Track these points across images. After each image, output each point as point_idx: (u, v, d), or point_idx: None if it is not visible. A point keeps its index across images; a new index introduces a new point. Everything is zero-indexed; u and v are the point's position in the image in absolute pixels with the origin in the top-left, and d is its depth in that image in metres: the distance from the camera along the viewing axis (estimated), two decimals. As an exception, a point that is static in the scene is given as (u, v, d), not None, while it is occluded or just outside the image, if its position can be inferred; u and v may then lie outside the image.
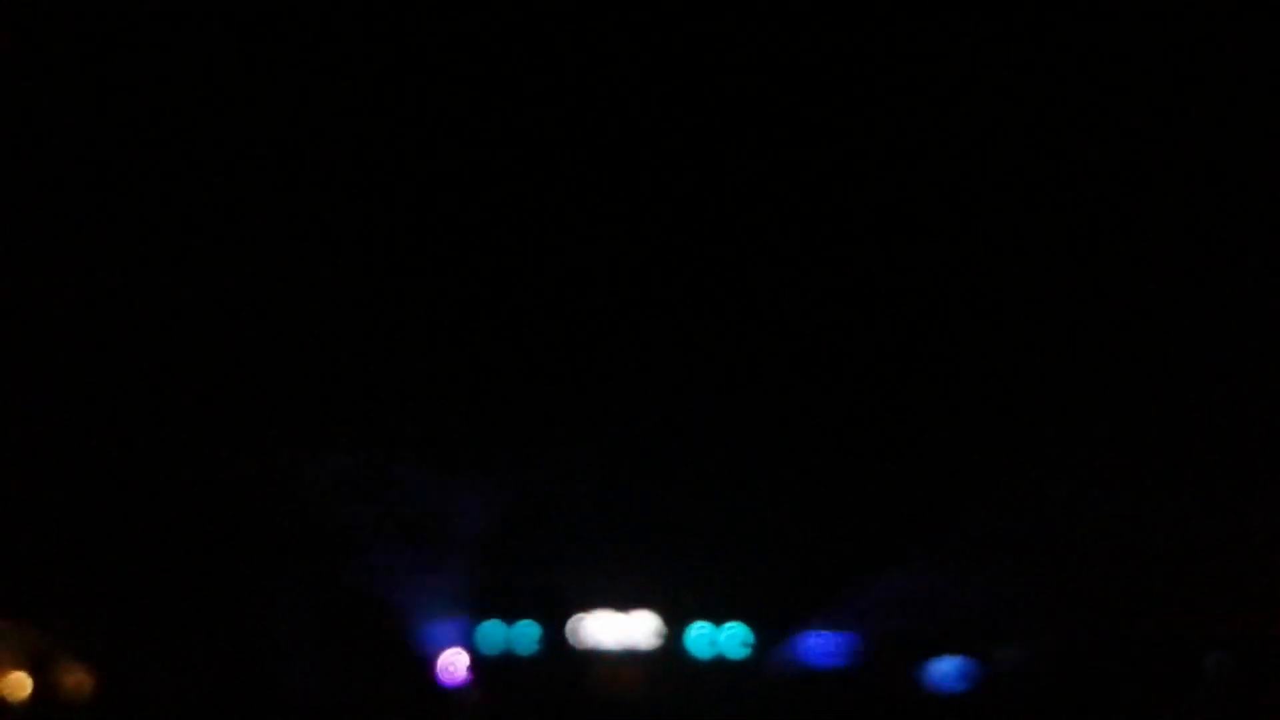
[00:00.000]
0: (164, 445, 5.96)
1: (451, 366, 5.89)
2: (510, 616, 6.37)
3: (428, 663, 6.35)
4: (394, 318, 5.75)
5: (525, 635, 6.34)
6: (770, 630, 6.36)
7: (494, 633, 6.33)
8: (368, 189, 5.25)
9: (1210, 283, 5.27)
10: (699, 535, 6.23)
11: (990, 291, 5.35)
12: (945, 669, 6.25)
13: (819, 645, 6.35)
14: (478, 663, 6.32)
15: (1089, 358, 5.57)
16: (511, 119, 5.11)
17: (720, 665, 6.32)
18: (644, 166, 5.16)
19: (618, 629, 6.33)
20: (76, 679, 6.42)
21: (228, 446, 6.08)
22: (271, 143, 5.17)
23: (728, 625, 6.35)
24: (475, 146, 5.15)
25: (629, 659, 6.31)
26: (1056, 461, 5.96)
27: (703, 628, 6.35)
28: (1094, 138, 4.88)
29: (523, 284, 5.64)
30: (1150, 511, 5.89)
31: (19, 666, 6.44)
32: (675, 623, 6.37)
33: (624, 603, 6.35)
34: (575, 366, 5.85)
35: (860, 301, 5.52)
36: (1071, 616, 6.20)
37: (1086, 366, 5.55)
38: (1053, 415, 5.75)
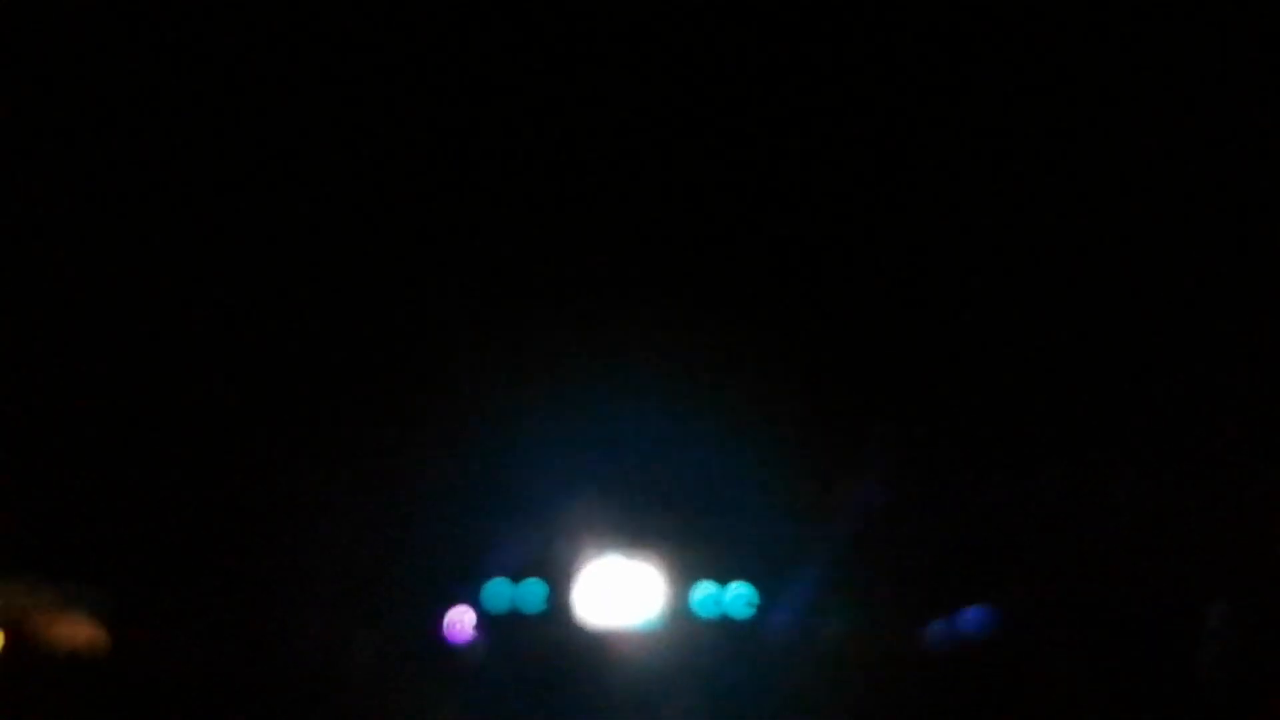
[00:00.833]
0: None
1: (445, 309, 6.07)
2: (516, 575, 6.40)
3: (434, 621, 6.35)
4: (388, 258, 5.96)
5: (531, 593, 6.36)
6: (776, 590, 6.38)
7: (500, 591, 6.36)
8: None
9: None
10: (704, 495, 6.33)
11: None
12: (948, 625, 6.28)
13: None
14: (484, 620, 6.33)
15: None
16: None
17: (725, 625, 6.33)
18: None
19: (623, 588, 6.36)
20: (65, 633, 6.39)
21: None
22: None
23: (733, 585, 6.38)
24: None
25: (633, 618, 6.32)
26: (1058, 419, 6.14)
27: (708, 587, 6.38)
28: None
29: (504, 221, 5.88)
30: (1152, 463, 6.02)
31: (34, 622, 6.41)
32: (680, 583, 6.39)
33: (629, 562, 6.38)
34: (577, 314, 6.03)
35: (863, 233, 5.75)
36: (1068, 571, 6.25)
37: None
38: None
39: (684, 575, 6.39)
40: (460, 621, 6.32)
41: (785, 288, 6.14)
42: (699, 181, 5.84)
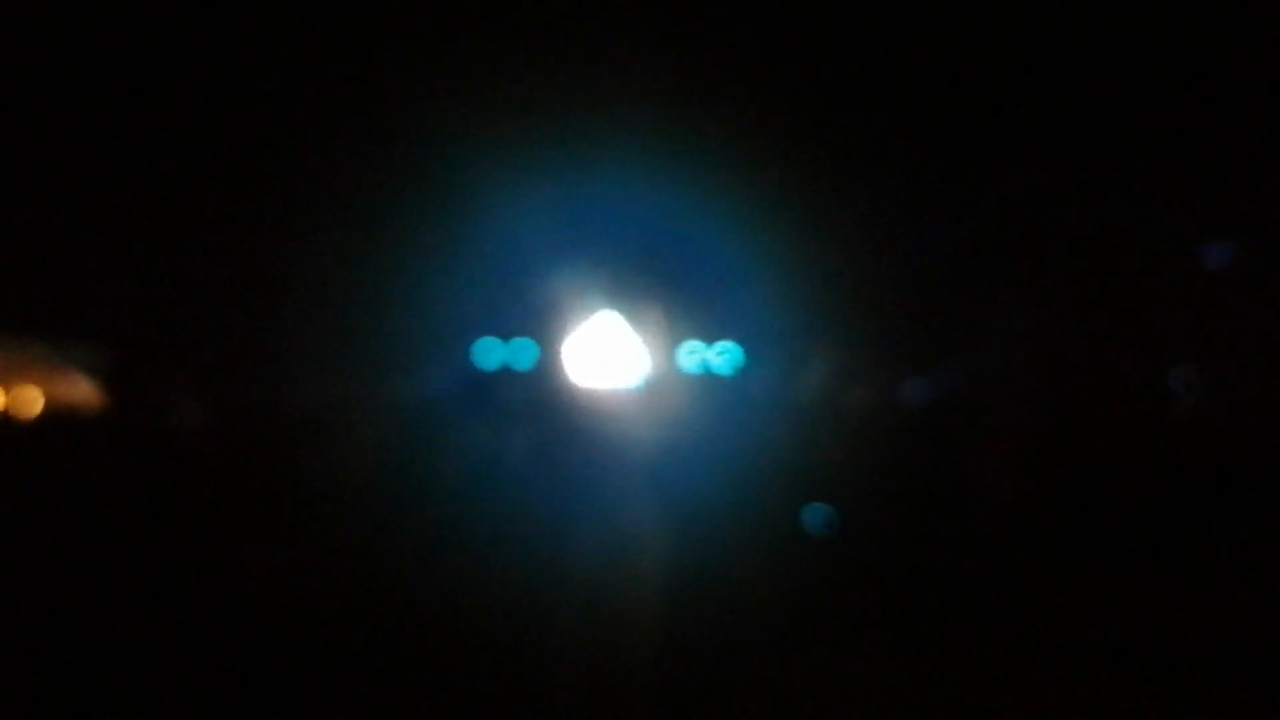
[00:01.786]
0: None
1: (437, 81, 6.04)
2: (507, 335, 6.54)
3: (429, 378, 6.52)
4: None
5: (523, 351, 6.52)
6: (759, 349, 6.55)
7: (491, 348, 6.51)
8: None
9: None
10: (691, 258, 6.43)
11: None
12: (923, 387, 6.48)
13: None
14: (476, 377, 6.49)
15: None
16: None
17: (710, 381, 6.52)
18: None
19: (611, 348, 6.51)
20: (80, 390, 6.52)
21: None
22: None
23: (719, 344, 6.55)
24: None
25: (621, 377, 6.49)
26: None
27: (694, 345, 6.55)
28: None
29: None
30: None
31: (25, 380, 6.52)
32: (667, 342, 6.55)
33: (618, 323, 6.52)
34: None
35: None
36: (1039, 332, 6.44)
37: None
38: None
39: (670, 335, 6.54)
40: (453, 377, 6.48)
41: (769, 44, 6.09)
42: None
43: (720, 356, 6.54)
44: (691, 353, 6.55)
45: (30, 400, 6.56)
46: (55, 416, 6.53)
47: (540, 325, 6.53)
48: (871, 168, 6.25)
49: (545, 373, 6.53)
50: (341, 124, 6.26)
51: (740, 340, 6.56)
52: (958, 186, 6.30)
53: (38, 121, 5.92)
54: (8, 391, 6.56)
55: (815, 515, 5.92)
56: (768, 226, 6.28)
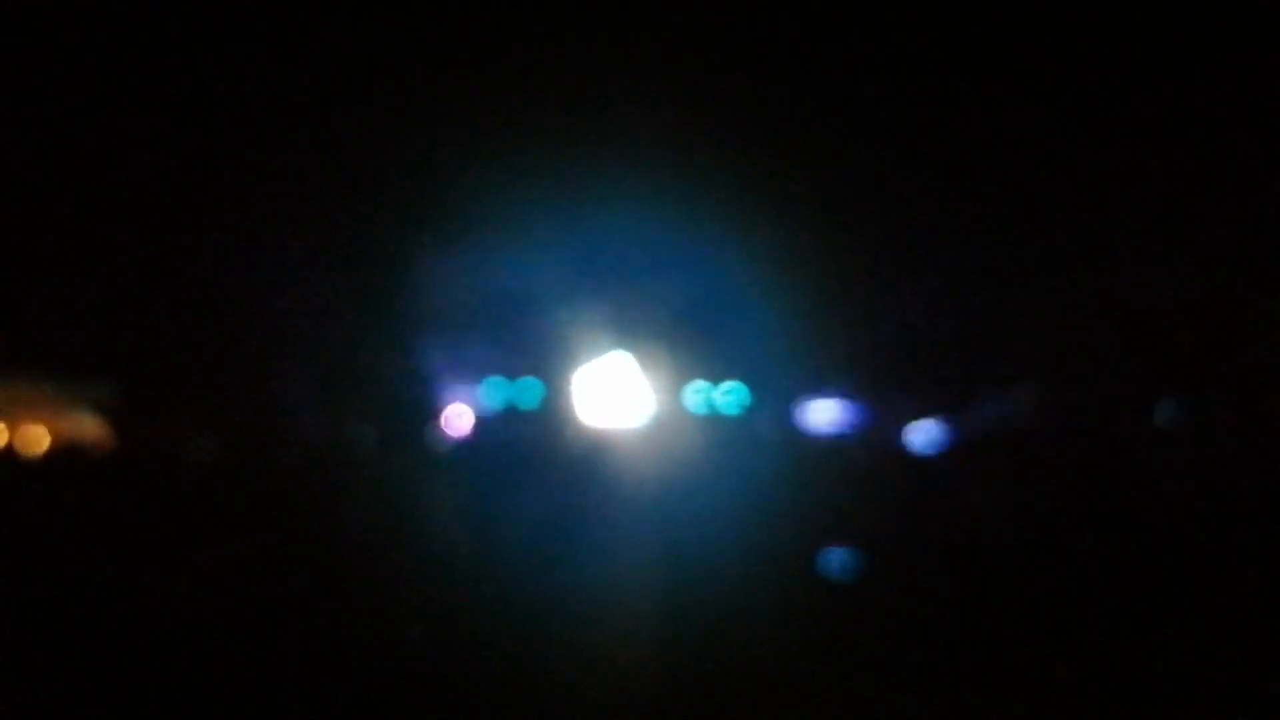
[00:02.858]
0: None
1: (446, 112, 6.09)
2: (513, 375, 6.53)
3: (433, 417, 6.49)
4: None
5: (528, 391, 6.49)
6: (766, 392, 6.52)
7: (497, 388, 6.49)
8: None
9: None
10: (698, 297, 6.42)
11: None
12: (932, 429, 6.43)
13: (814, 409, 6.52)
14: (481, 417, 6.47)
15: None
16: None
17: (716, 422, 6.48)
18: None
19: (617, 388, 6.49)
20: (91, 429, 6.51)
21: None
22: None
23: (725, 384, 6.52)
24: None
25: (627, 417, 6.47)
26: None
27: (700, 386, 6.52)
28: None
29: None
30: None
31: (35, 420, 6.52)
32: (673, 382, 6.53)
33: (623, 363, 6.50)
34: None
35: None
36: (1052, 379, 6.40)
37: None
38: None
39: (677, 375, 6.51)
40: (458, 417, 6.45)
41: (783, 88, 6.13)
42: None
43: (726, 396, 6.51)
44: (697, 392, 6.51)
45: (34, 437, 6.55)
46: (59, 452, 6.52)
47: (546, 364, 6.51)
48: (882, 208, 6.25)
49: (551, 412, 6.50)
50: (351, 163, 6.30)
51: (746, 380, 6.52)
52: (968, 230, 6.29)
53: (46, 148, 5.96)
54: (12, 428, 6.56)
55: (827, 557, 5.86)
56: (775, 266, 6.28)
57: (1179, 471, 6.22)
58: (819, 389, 6.50)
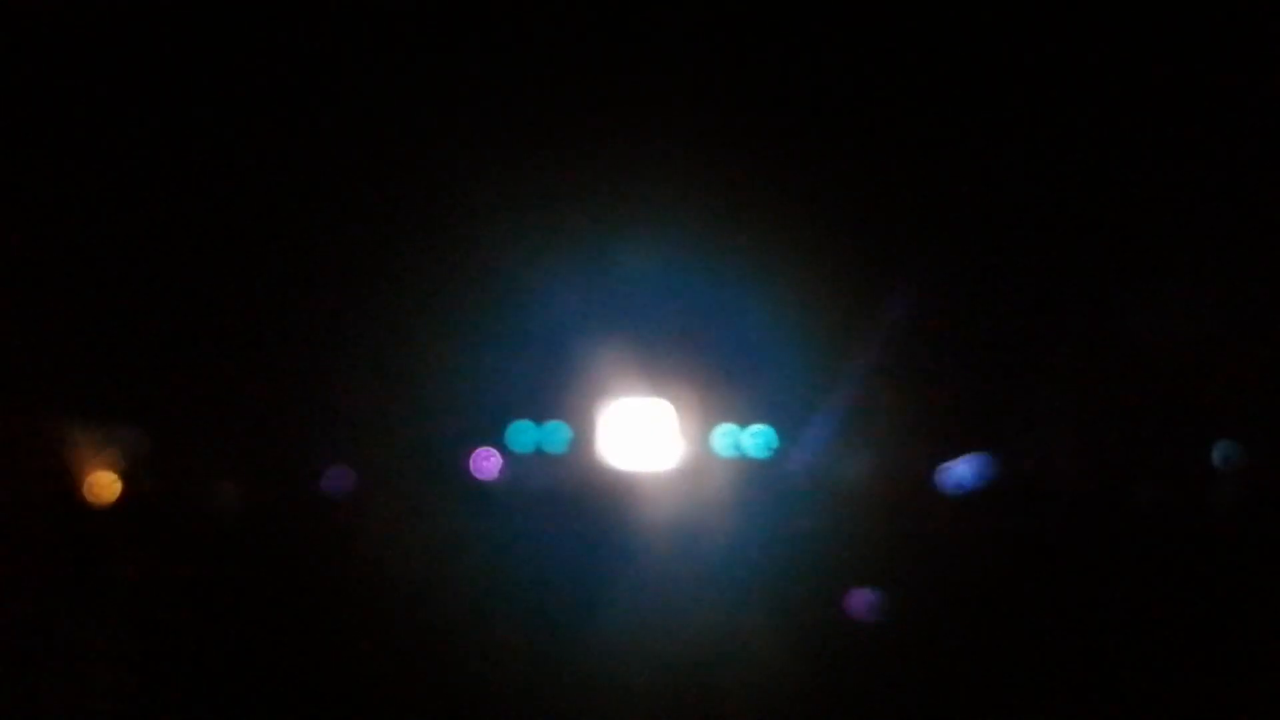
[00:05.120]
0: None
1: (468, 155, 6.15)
2: (540, 418, 6.54)
3: (460, 460, 6.51)
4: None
5: (555, 435, 6.50)
6: (795, 433, 6.50)
7: (524, 431, 6.50)
8: None
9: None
10: (725, 339, 6.42)
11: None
12: (963, 470, 6.38)
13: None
14: (509, 460, 6.48)
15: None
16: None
17: (745, 465, 6.46)
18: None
19: (644, 430, 6.49)
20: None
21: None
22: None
23: (754, 428, 6.50)
24: None
25: (654, 460, 6.46)
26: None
27: (728, 429, 6.50)
28: None
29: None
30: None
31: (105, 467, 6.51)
32: (701, 425, 6.52)
33: (651, 405, 6.50)
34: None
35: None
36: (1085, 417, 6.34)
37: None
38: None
39: (704, 418, 6.51)
40: (486, 460, 6.46)
41: (803, 123, 6.15)
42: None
43: (754, 439, 6.49)
44: (725, 435, 6.50)
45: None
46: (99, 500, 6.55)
47: (573, 408, 6.52)
48: (909, 249, 6.25)
49: (579, 456, 6.50)
50: (369, 201, 6.37)
51: (775, 423, 6.50)
52: (998, 268, 6.28)
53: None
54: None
55: (856, 601, 5.80)
56: (803, 308, 6.28)
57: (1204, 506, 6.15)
58: (846, 432, 6.46)
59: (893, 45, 5.95)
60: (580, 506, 6.36)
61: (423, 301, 6.40)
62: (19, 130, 5.83)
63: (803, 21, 5.91)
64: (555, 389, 6.50)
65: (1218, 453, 6.11)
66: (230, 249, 6.21)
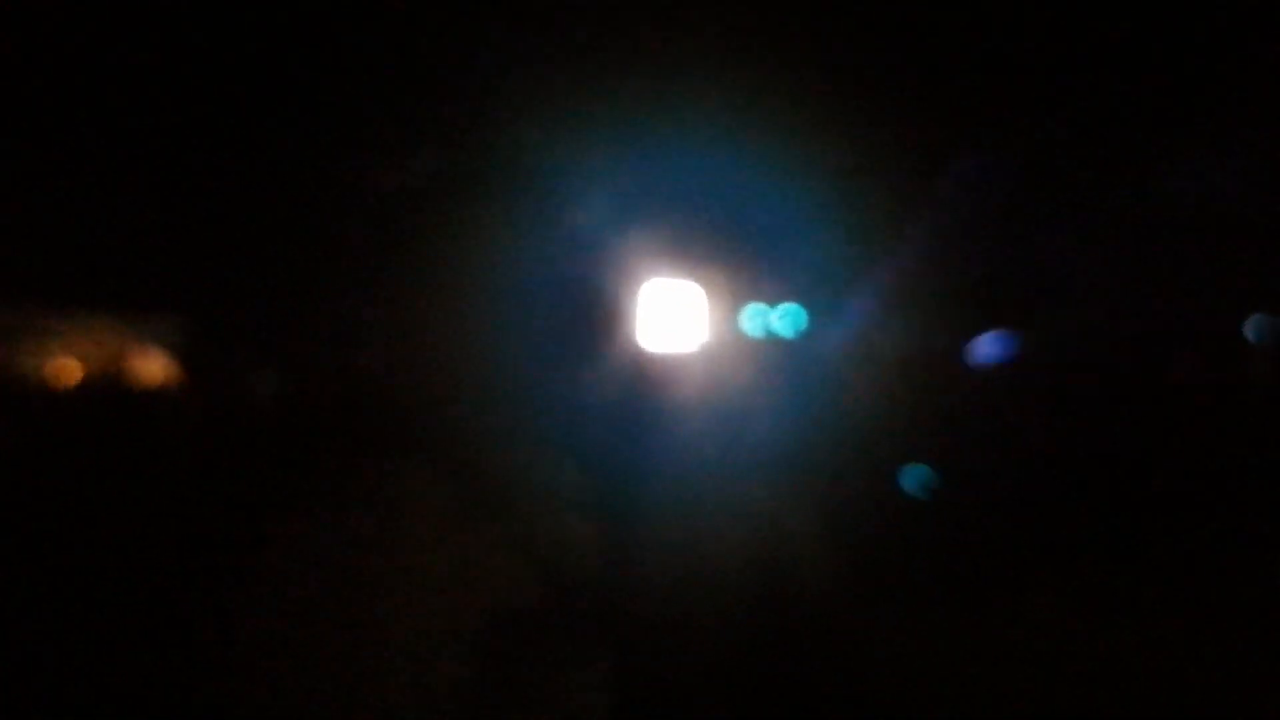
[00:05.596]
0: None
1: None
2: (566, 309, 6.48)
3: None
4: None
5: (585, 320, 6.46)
6: (825, 311, 6.44)
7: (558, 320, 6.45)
8: None
9: None
10: (753, 217, 6.31)
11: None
12: (988, 345, 6.35)
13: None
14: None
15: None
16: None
17: (775, 344, 6.43)
18: None
19: (671, 312, 6.42)
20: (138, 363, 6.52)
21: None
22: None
23: (781, 306, 6.43)
24: None
25: (682, 341, 6.42)
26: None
27: (757, 309, 6.44)
28: None
29: None
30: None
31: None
32: (729, 305, 6.45)
33: (678, 286, 6.43)
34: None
35: None
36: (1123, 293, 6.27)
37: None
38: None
39: (733, 298, 6.43)
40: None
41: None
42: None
43: (783, 318, 6.43)
44: (754, 316, 6.44)
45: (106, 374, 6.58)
46: (126, 393, 6.56)
47: (602, 292, 6.45)
48: (940, 138, 6.08)
49: (605, 337, 6.46)
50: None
51: (804, 301, 6.44)
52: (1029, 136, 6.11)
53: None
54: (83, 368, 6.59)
55: (906, 477, 5.84)
56: (828, 187, 6.15)
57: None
58: (876, 310, 6.40)
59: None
60: (608, 389, 6.35)
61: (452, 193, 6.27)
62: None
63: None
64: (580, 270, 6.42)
65: (1256, 328, 6.06)
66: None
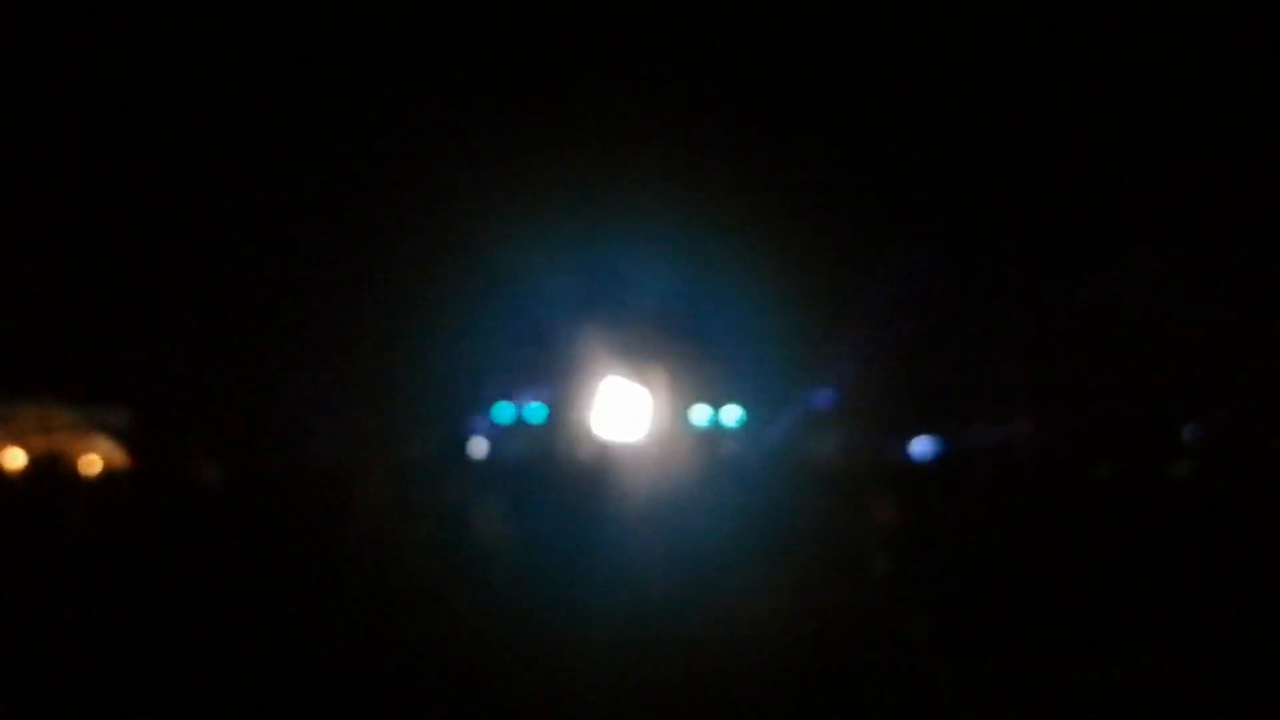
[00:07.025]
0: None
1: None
2: (522, 400, 6.86)
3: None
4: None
5: (536, 410, 6.80)
6: (764, 413, 6.75)
7: (507, 408, 6.81)
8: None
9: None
10: (701, 324, 6.70)
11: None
12: (924, 446, 6.57)
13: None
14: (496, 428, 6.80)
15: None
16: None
17: (714, 438, 6.71)
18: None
19: (622, 409, 6.75)
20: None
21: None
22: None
23: (726, 406, 6.76)
24: None
25: (631, 435, 6.71)
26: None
27: (702, 408, 6.76)
28: None
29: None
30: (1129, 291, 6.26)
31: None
32: (676, 405, 6.78)
33: (629, 386, 6.77)
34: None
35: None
36: (1049, 399, 6.51)
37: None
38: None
39: (680, 398, 6.76)
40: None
41: (784, 118, 6.46)
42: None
43: (727, 417, 6.74)
44: (698, 413, 6.75)
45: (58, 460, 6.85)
46: (81, 478, 6.82)
47: (558, 386, 6.80)
48: (880, 234, 6.51)
49: (564, 427, 6.76)
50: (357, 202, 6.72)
51: (745, 402, 6.75)
52: (962, 256, 6.53)
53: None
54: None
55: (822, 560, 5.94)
56: (775, 292, 6.52)
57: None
58: (815, 410, 6.69)
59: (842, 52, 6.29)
60: (565, 472, 6.57)
61: (408, 288, 6.71)
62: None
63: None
64: (537, 374, 6.79)
65: (1178, 431, 6.26)
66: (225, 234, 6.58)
